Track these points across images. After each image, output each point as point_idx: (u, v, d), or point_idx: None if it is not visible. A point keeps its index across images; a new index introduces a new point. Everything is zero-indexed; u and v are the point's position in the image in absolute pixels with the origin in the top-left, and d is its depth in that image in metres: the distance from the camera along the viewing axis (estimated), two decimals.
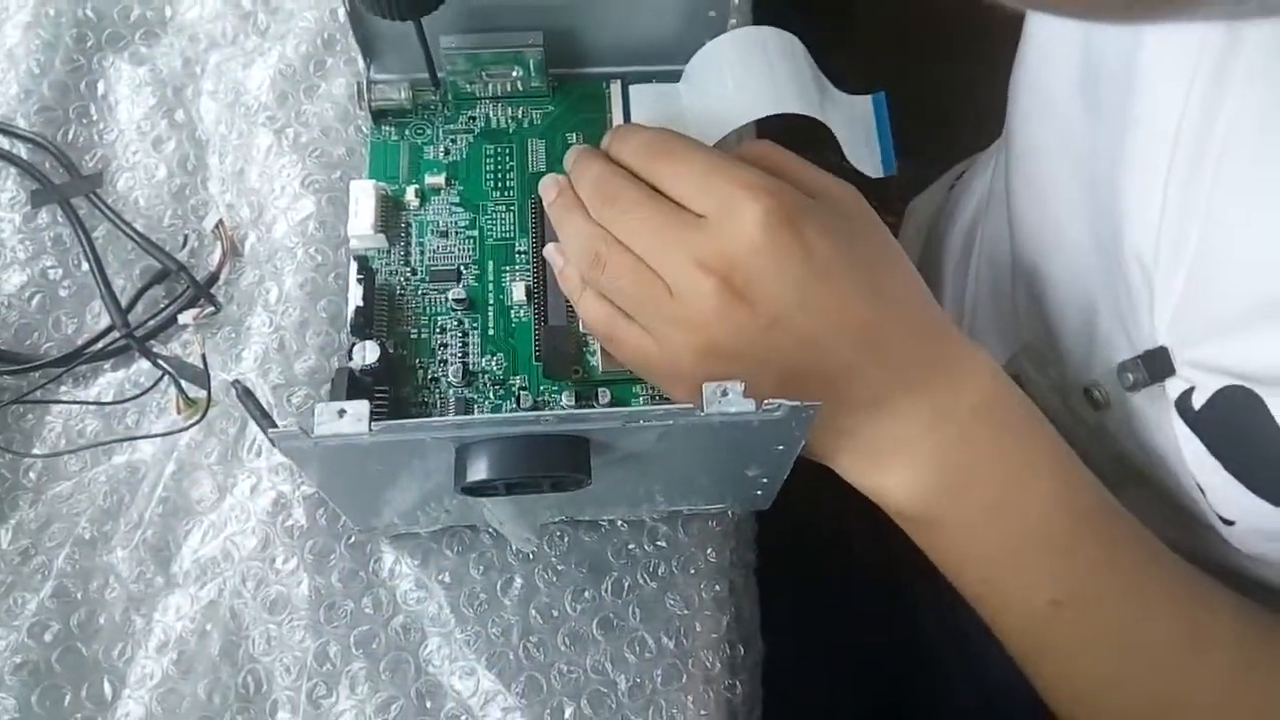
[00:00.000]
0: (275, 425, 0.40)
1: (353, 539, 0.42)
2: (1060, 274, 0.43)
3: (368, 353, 0.41)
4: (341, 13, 0.45)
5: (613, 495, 0.41)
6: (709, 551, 0.43)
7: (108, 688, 0.39)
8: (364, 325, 0.42)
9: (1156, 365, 0.37)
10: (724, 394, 0.33)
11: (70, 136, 0.49)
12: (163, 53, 0.52)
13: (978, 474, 0.37)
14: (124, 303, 0.45)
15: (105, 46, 0.51)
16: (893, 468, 0.37)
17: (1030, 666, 0.39)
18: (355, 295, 0.42)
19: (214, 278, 0.46)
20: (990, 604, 0.38)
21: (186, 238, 0.47)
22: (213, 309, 0.45)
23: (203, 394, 0.43)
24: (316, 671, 0.40)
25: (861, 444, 0.38)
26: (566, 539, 0.43)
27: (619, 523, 0.43)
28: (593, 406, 0.43)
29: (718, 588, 0.43)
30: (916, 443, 0.37)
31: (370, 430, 0.32)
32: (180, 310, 0.45)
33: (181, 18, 0.52)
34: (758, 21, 0.47)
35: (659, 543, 0.43)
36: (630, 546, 0.43)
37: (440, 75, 0.47)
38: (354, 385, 0.40)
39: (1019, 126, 0.45)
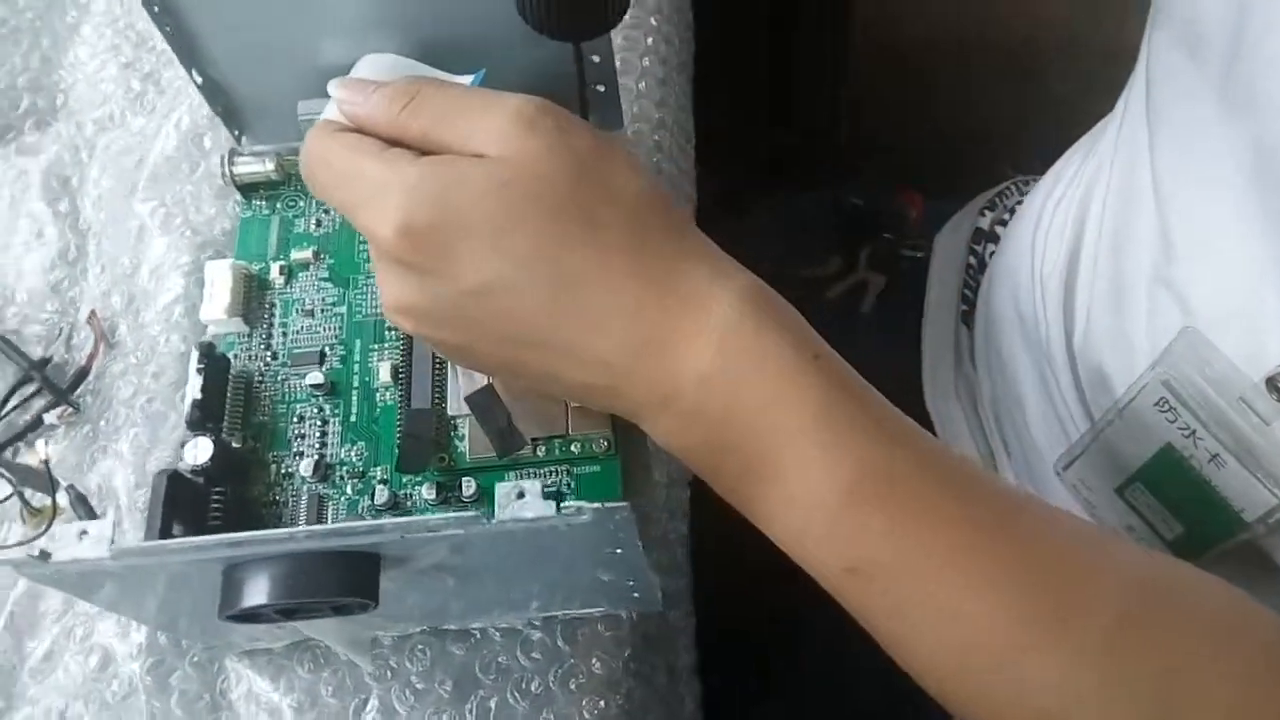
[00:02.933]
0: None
1: (197, 657, 0.38)
2: (1222, 255, 0.36)
3: (200, 451, 0.37)
4: None
5: (469, 601, 0.36)
6: (593, 662, 0.38)
7: None
8: (203, 420, 0.38)
9: None
10: (519, 495, 0.28)
11: None
12: (50, 141, 0.50)
13: (725, 446, 0.30)
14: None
15: None
16: (662, 437, 0.32)
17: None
18: (194, 387, 0.39)
19: (83, 373, 0.44)
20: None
21: (62, 331, 0.45)
22: (72, 410, 0.42)
23: (47, 501, 0.40)
24: None
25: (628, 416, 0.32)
26: (429, 652, 0.38)
27: (492, 631, 0.38)
28: (454, 498, 0.38)
29: (603, 703, 0.37)
30: (658, 423, 0.31)
31: (111, 554, 0.28)
32: (43, 412, 0.43)
33: (70, 104, 0.51)
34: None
35: (533, 654, 0.38)
36: (501, 659, 0.38)
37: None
38: (181, 488, 0.36)
39: (1162, 115, 0.39)
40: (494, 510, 0.28)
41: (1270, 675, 0.28)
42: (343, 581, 0.29)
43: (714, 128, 0.52)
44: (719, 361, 0.29)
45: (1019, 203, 0.58)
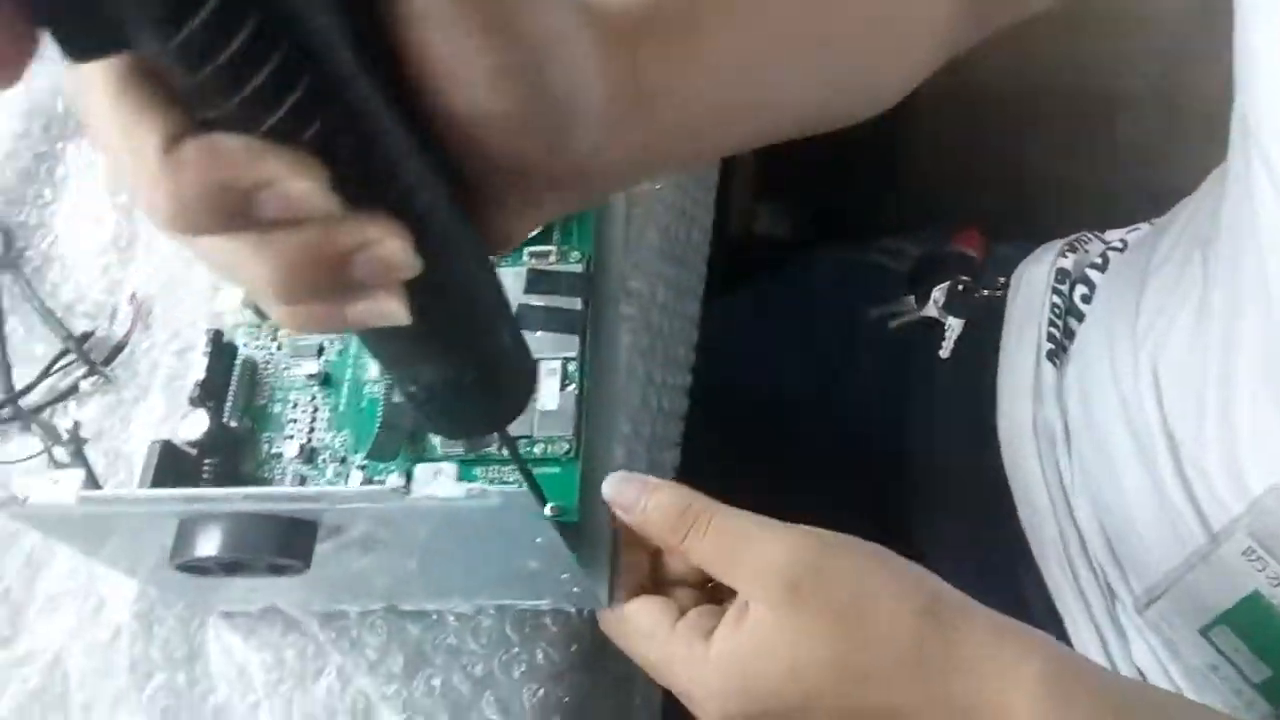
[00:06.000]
0: (98, 486, 0.41)
1: (181, 612, 0.42)
2: None
3: (194, 426, 0.41)
4: None
5: (419, 583, 0.39)
6: (537, 653, 0.40)
7: None
8: (205, 398, 0.42)
9: None
10: (435, 474, 0.31)
11: (23, 217, 0.53)
12: None
13: None
14: (35, 374, 0.48)
15: (70, 134, 0.55)
16: None
17: None
18: (199, 368, 0.43)
19: (119, 347, 0.48)
20: None
21: (108, 308, 0.50)
22: (104, 380, 0.47)
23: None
24: None
25: None
26: (387, 627, 0.41)
27: (448, 614, 0.41)
28: None
29: (543, 692, 0.39)
30: None
31: (77, 500, 0.31)
32: (80, 380, 0.47)
33: None
34: None
35: (482, 639, 0.40)
36: (451, 640, 0.40)
37: None
38: (175, 457, 0.40)
39: None
40: (413, 487, 0.31)
41: None
42: (280, 543, 0.32)
43: (772, 176, 0.53)
44: None
45: (1113, 249, 0.57)
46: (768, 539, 0.35)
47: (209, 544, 0.32)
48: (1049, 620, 0.50)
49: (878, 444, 0.60)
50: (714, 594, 0.38)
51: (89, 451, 0.45)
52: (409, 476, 0.40)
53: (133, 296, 0.49)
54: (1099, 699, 0.34)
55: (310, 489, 0.30)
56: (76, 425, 0.43)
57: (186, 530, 0.32)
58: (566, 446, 0.41)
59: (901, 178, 0.79)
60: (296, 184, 0.19)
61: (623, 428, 0.45)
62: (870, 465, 0.60)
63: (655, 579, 0.39)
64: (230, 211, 0.20)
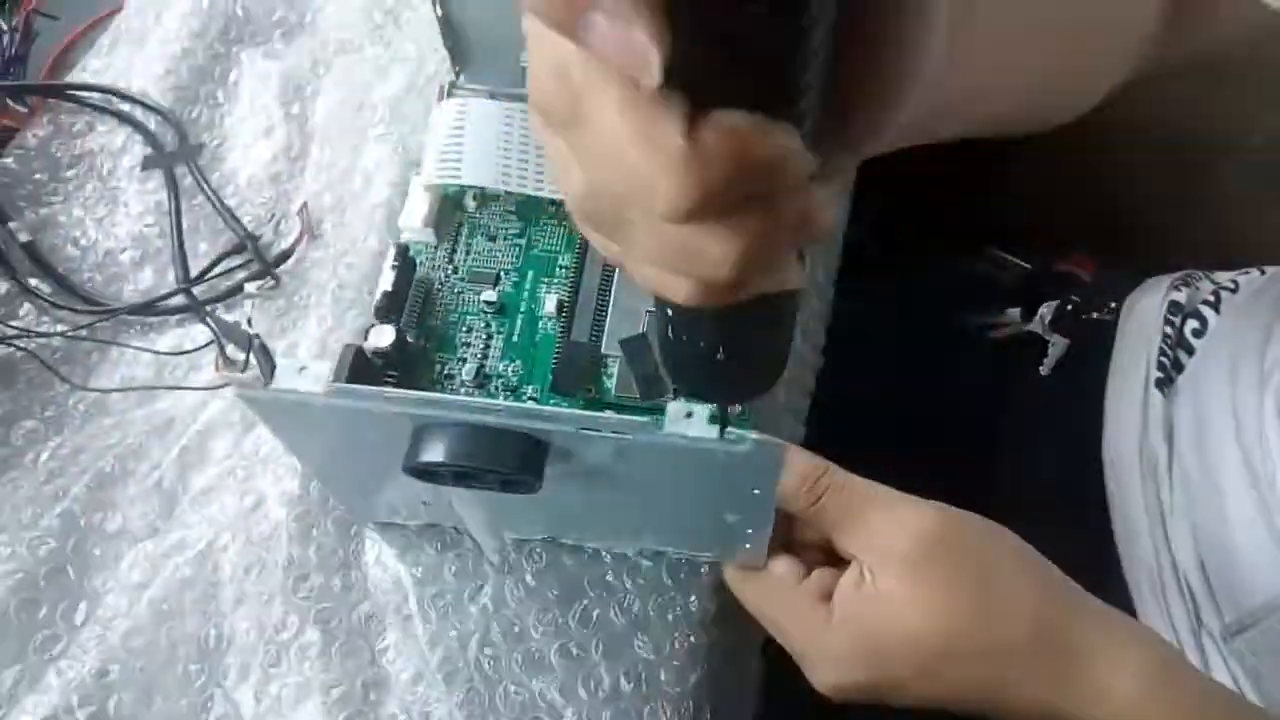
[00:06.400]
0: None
1: (340, 518, 0.42)
2: None
3: (383, 336, 0.41)
4: None
5: (596, 520, 0.40)
6: (691, 599, 0.41)
7: (81, 612, 0.41)
8: (389, 310, 0.43)
9: None
10: (688, 415, 0.32)
11: (195, 114, 0.53)
12: (294, 52, 0.55)
13: None
14: (201, 267, 0.48)
15: (246, 40, 0.55)
16: None
17: None
18: (386, 280, 0.43)
19: (286, 255, 0.48)
20: None
21: (274, 216, 0.50)
22: (273, 283, 0.47)
23: (242, 358, 0.44)
24: (274, 639, 0.40)
25: None
26: (545, 557, 0.41)
27: (604, 552, 0.42)
28: None
29: (693, 639, 0.40)
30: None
31: (325, 390, 0.32)
32: (246, 281, 0.47)
33: (318, 22, 0.56)
34: None
35: (639, 579, 0.41)
36: (608, 577, 0.41)
37: None
38: (362, 365, 0.41)
39: None
40: (664, 423, 0.32)
41: None
42: (517, 457, 0.32)
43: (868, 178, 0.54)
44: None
45: (1224, 289, 0.59)
46: (899, 508, 0.37)
47: (448, 450, 0.32)
48: None
49: (968, 449, 0.62)
50: (841, 564, 0.39)
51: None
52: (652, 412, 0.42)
53: (303, 207, 0.49)
54: (1198, 695, 0.36)
55: (570, 410, 0.31)
56: (250, 322, 0.44)
57: (425, 435, 0.33)
58: (740, 409, 0.42)
59: (1011, 195, 0.79)
60: (799, 154, 0.19)
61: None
62: (959, 469, 0.62)
63: (786, 545, 0.40)
64: (744, 192, 0.20)
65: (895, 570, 0.36)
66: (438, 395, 0.32)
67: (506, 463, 0.32)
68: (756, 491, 0.34)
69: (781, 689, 0.40)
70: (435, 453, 0.32)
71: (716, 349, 0.27)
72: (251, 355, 0.41)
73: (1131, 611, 0.53)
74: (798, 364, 0.50)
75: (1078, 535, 0.56)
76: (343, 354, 0.40)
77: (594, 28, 0.17)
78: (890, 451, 0.62)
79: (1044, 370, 0.61)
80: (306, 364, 0.33)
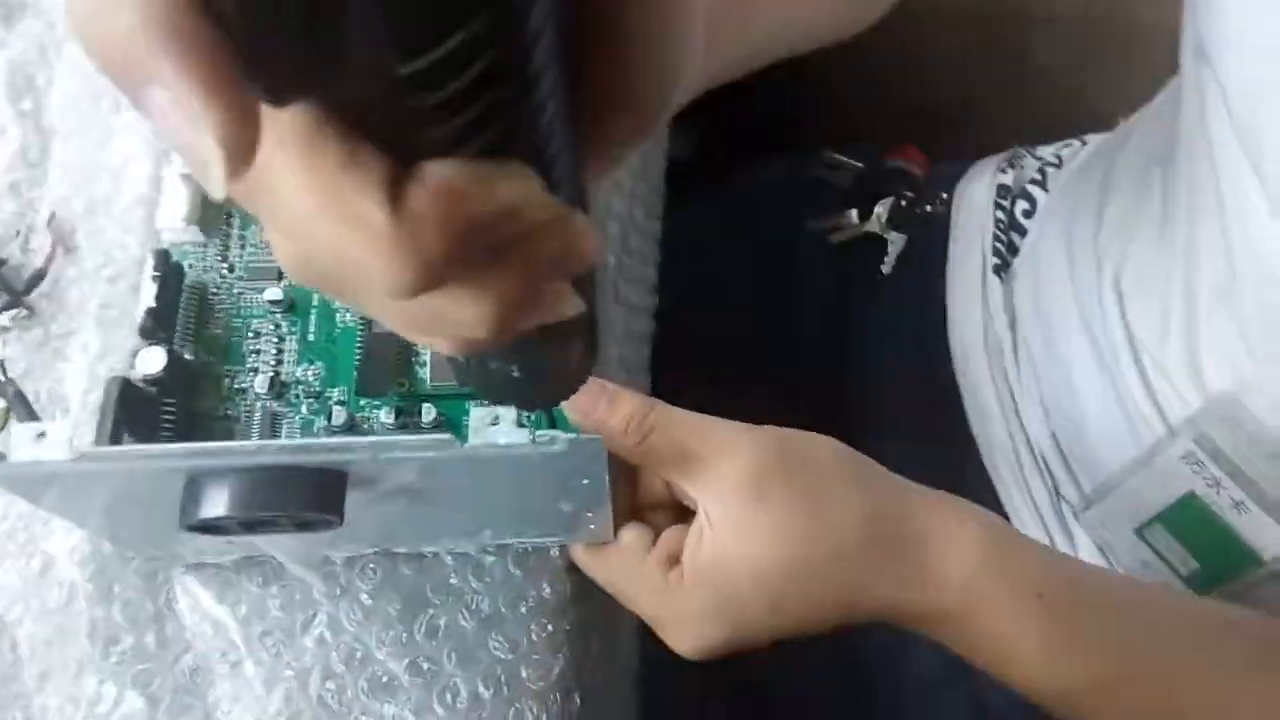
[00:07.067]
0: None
1: (141, 567, 0.38)
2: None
3: (152, 360, 0.36)
4: None
5: (425, 525, 0.37)
6: (543, 587, 0.39)
7: None
8: (156, 329, 0.38)
9: None
10: (493, 422, 0.28)
11: None
12: (18, 38, 0.48)
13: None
14: None
15: None
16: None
17: None
18: (148, 294, 0.38)
19: (38, 277, 0.42)
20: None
21: (19, 232, 0.44)
22: (26, 313, 0.41)
23: (2, 404, 0.39)
24: (92, 714, 0.36)
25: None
26: (379, 571, 0.38)
27: (444, 555, 0.39)
28: (413, 424, 0.38)
29: (550, 628, 0.38)
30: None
31: (71, 457, 0.27)
32: None
33: (42, 1, 0.48)
34: None
35: (485, 577, 0.38)
36: (452, 580, 0.38)
37: None
38: (133, 399, 0.36)
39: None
40: (466, 435, 0.28)
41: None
42: (310, 497, 0.29)
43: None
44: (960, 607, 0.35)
45: (1049, 164, 0.58)
46: (718, 436, 0.36)
47: (229, 501, 0.29)
48: None
49: (819, 357, 0.61)
50: (688, 513, 0.38)
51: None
52: (399, 413, 0.38)
53: (52, 217, 0.42)
54: (1035, 564, 0.36)
55: (359, 439, 0.28)
56: (2, 364, 0.38)
57: (200, 487, 0.29)
58: None
59: (835, 96, 0.78)
60: (536, 197, 0.16)
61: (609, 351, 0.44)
62: (813, 377, 0.61)
63: (634, 505, 0.39)
64: (469, 251, 0.16)
65: (727, 508, 0.35)
66: (201, 445, 0.28)
67: (299, 504, 0.29)
68: (585, 481, 0.32)
69: (663, 654, 0.39)
70: (214, 506, 0.29)
71: (511, 369, 0.24)
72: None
73: (994, 495, 0.54)
74: (629, 313, 0.48)
75: (934, 427, 0.57)
76: (106, 391, 0.35)
77: (153, 107, 0.14)
78: (743, 370, 0.61)
79: (885, 269, 0.60)
80: (44, 427, 0.28)
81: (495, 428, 0.28)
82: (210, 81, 0.13)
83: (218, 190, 0.14)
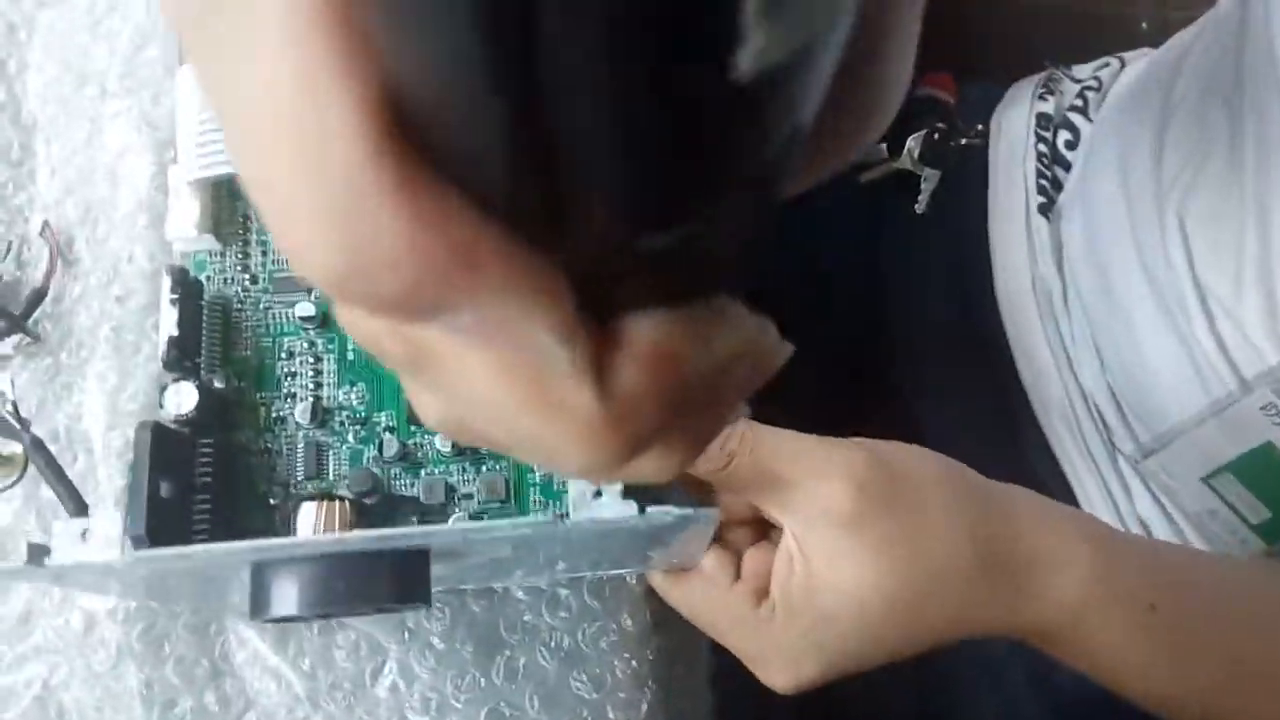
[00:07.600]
0: (78, 499, 0.32)
1: (191, 620, 0.35)
2: None
3: (183, 398, 0.33)
4: None
5: (500, 570, 0.34)
6: (624, 619, 0.36)
7: None
8: (181, 359, 0.34)
9: None
10: (597, 494, 0.25)
11: None
12: None
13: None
14: None
15: None
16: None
17: None
18: (169, 320, 0.34)
19: (39, 296, 0.38)
20: None
21: (9, 245, 0.39)
22: (30, 340, 0.37)
23: (17, 448, 0.35)
24: None
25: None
26: (449, 611, 0.35)
27: (515, 590, 0.36)
28: (469, 451, 0.34)
29: (634, 662, 0.36)
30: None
31: (124, 555, 0.24)
32: None
33: None
34: None
35: (561, 612, 0.36)
36: (526, 618, 0.36)
37: None
38: (165, 443, 0.32)
39: None
40: (566, 509, 0.25)
41: None
42: (392, 587, 0.26)
43: None
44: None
45: (1089, 88, 0.54)
46: (808, 460, 0.33)
47: (300, 599, 0.25)
48: (1053, 477, 0.51)
49: (850, 307, 0.57)
50: (769, 527, 0.35)
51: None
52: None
53: (45, 226, 0.38)
54: (1145, 574, 0.35)
55: (449, 527, 0.24)
56: (15, 405, 0.34)
57: (268, 579, 0.26)
58: None
59: None
60: (757, 343, 0.14)
61: None
62: (846, 331, 0.58)
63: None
64: (677, 414, 0.13)
65: (821, 536, 0.32)
66: (264, 542, 0.24)
67: (378, 594, 0.26)
68: (683, 534, 0.29)
69: (734, 682, 0.36)
70: (286, 604, 0.25)
71: None
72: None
73: (1047, 449, 0.51)
74: None
75: (983, 383, 0.54)
76: (137, 438, 0.31)
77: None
78: (779, 316, 0.58)
79: (920, 208, 0.56)
80: (87, 524, 0.25)
81: (600, 500, 0.25)
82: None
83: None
